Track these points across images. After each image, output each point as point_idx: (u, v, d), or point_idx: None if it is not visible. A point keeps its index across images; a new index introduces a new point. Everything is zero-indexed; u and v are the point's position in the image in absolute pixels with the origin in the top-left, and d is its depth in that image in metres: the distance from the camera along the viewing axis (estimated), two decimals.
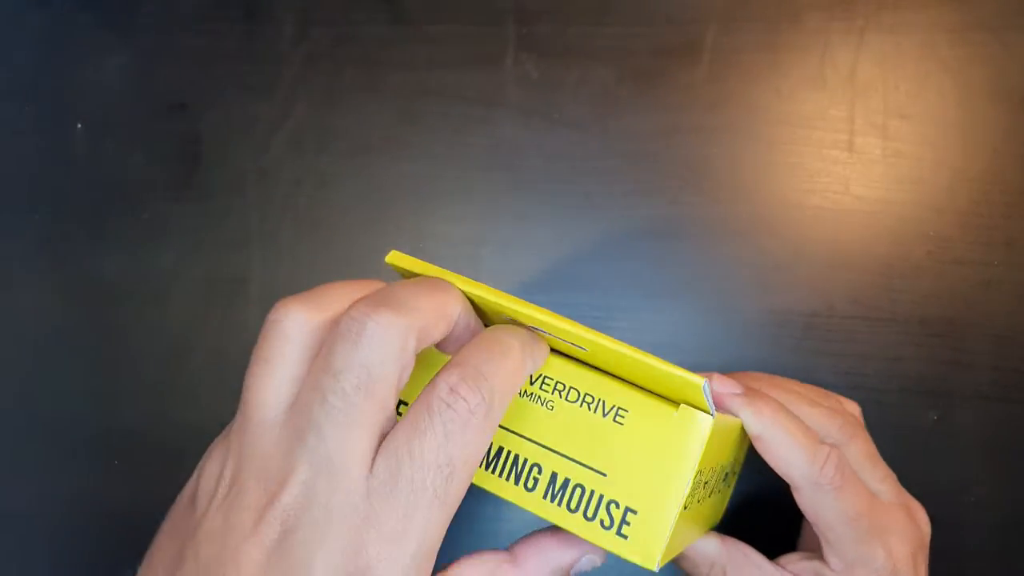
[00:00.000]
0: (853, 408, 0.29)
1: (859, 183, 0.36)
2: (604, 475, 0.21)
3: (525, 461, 0.22)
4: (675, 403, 0.21)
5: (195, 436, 0.38)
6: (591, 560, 0.22)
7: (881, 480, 0.27)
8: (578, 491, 0.21)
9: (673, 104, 0.37)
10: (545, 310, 0.20)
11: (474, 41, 0.38)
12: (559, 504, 0.21)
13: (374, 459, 0.18)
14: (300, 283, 0.37)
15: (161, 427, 0.37)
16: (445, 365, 0.19)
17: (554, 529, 0.22)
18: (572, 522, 0.21)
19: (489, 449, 0.22)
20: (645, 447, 0.21)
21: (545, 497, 0.21)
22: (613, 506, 0.21)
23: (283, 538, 0.17)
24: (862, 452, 0.27)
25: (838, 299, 0.35)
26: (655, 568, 0.20)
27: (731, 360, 0.35)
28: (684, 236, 0.36)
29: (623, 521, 0.21)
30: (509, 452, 0.22)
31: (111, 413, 0.38)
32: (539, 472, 0.21)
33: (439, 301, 0.20)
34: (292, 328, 0.19)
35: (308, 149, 0.38)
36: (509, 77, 0.38)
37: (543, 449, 0.22)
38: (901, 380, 0.35)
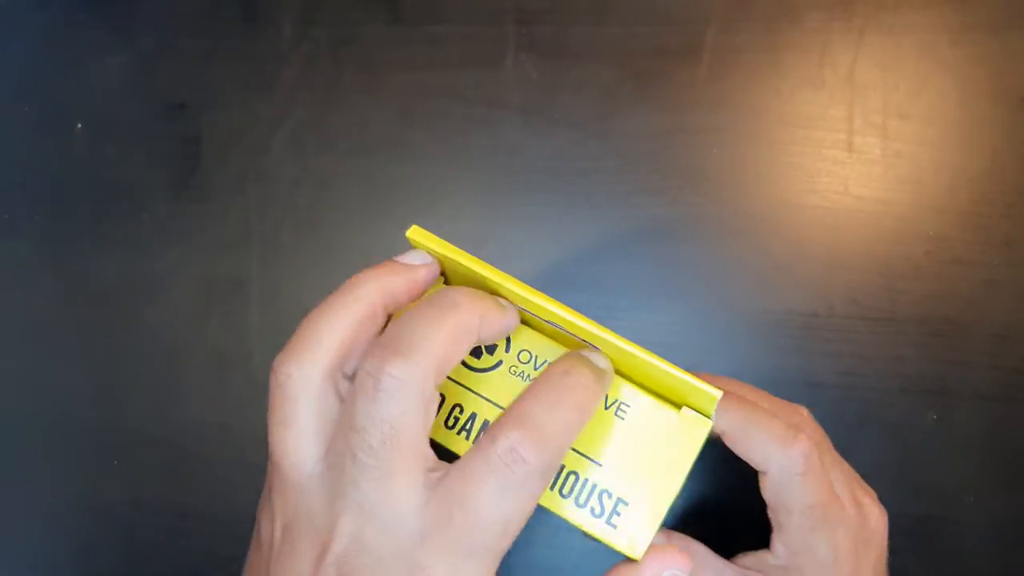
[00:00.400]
0: (803, 410, 0.29)
1: (859, 183, 0.36)
2: (600, 465, 0.22)
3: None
4: (676, 404, 0.22)
5: (195, 436, 0.38)
6: None
7: (839, 477, 0.27)
8: (572, 478, 0.22)
9: (673, 104, 0.37)
10: (561, 305, 0.21)
11: (474, 41, 0.38)
12: (552, 488, 0.22)
13: (423, 502, 0.18)
14: (300, 283, 0.37)
15: (161, 427, 0.37)
16: (506, 414, 0.19)
17: (624, 565, 0.22)
18: (562, 507, 0.22)
19: None
20: (643, 443, 0.21)
21: None
22: (605, 495, 0.21)
23: None
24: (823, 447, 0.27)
25: (838, 299, 0.35)
26: (640, 558, 0.21)
27: (731, 360, 0.35)
28: (684, 236, 0.36)
29: (614, 511, 0.21)
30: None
31: (111, 413, 0.38)
32: None
33: (454, 324, 0.19)
34: (297, 389, 0.19)
35: (308, 149, 0.38)
36: (509, 77, 0.38)
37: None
38: (901, 380, 0.35)
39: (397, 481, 0.18)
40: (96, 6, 0.40)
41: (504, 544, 0.18)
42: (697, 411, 0.22)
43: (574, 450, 0.22)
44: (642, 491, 0.21)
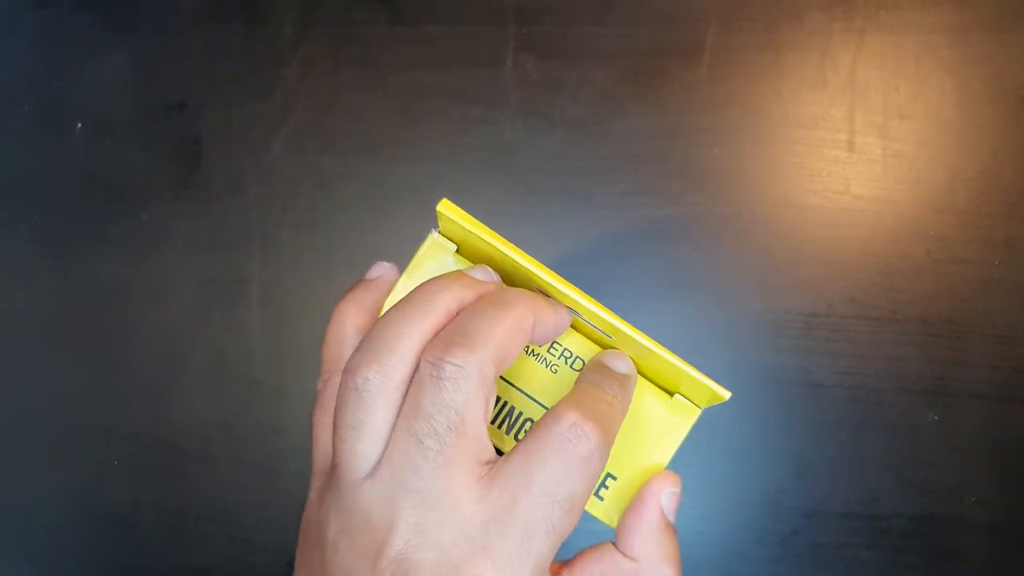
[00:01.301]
0: None
1: (859, 183, 0.36)
2: None
3: (520, 414, 0.23)
4: (668, 391, 0.23)
5: (194, 436, 0.38)
6: (670, 495, 0.22)
7: None
8: None
9: (673, 104, 0.37)
10: (580, 291, 0.21)
11: (474, 41, 0.38)
12: None
13: (484, 491, 0.18)
14: (300, 283, 0.37)
15: (161, 427, 0.37)
16: (566, 398, 0.20)
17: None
18: None
19: None
20: (635, 423, 0.23)
21: None
22: None
23: None
24: None
25: (838, 299, 0.35)
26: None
27: (731, 360, 0.35)
28: (684, 236, 0.36)
29: (602, 484, 0.22)
30: (506, 403, 0.23)
31: (111, 413, 0.38)
32: (530, 425, 0.22)
33: (512, 321, 0.20)
34: (374, 395, 0.19)
35: (308, 149, 0.38)
36: (509, 77, 0.38)
37: (539, 406, 0.23)
38: (901, 380, 0.35)
39: (459, 468, 0.18)
40: (96, 6, 0.40)
41: (570, 522, 0.19)
42: (688, 400, 0.23)
43: None
44: (630, 468, 0.22)
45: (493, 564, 0.18)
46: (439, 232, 0.24)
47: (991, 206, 0.35)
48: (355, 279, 0.24)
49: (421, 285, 0.21)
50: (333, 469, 0.20)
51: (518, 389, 0.23)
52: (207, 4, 0.40)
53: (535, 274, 0.21)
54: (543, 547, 0.18)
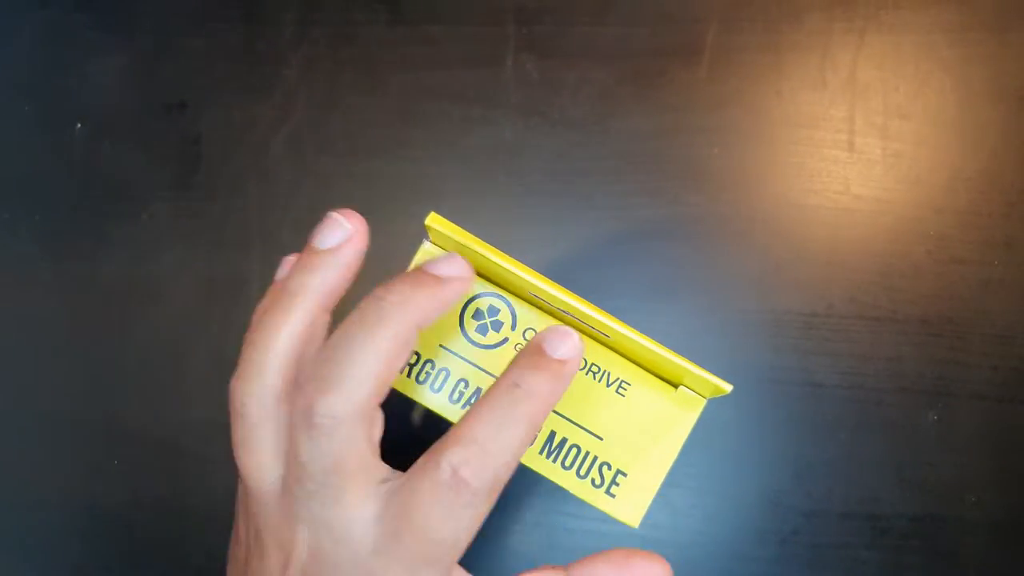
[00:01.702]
0: None
1: (859, 183, 0.36)
2: (601, 439, 0.23)
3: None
4: (673, 384, 0.23)
5: (195, 436, 0.38)
6: None
7: None
8: (574, 451, 0.23)
9: (673, 104, 0.37)
10: (573, 295, 0.21)
11: (474, 41, 0.38)
12: (554, 461, 0.23)
13: (376, 515, 0.18)
14: None
15: (161, 427, 0.37)
16: (450, 434, 0.19)
17: (606, 554, 0.22)
18: (564, 478, 0.23)
19: None
20: (643, 418, 0.23)
21: (541, 453, 0.23)
22: (605, 467, 0.23)
23: None
24: None
25: (838, 299, 0.35)
26: (636, 526, 0.23)
27: (731, 360, 0.35)
28: (684, 236, 0.36)
29: (613, 482, 0.23)
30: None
31: (111, 413, 0.38)
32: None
33: (385, 346, 0.18)
34: (252, 412, 0.20)
35: (308, 149, 0.38)
36: (509, 77, 0.38)
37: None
38: (901, 380, 0.35)
39: (348, 499, 0.18)
40: (96, 6, 0.40)
41: (455, 555, 0.19)
42: (692, 390, 0.23)
43: (577, 425, 0.23)
44: (640, 464, 0.23)
45: None
46: (430, 243, 0.24)
47: (991, 206, 0.36)
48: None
49: (277, 286, 0.20)
50: (240, 478, 0.20)
51: (494, 377, 0.23)
52: (207, 4, 0.40)
53: (526, 281, 0.21)
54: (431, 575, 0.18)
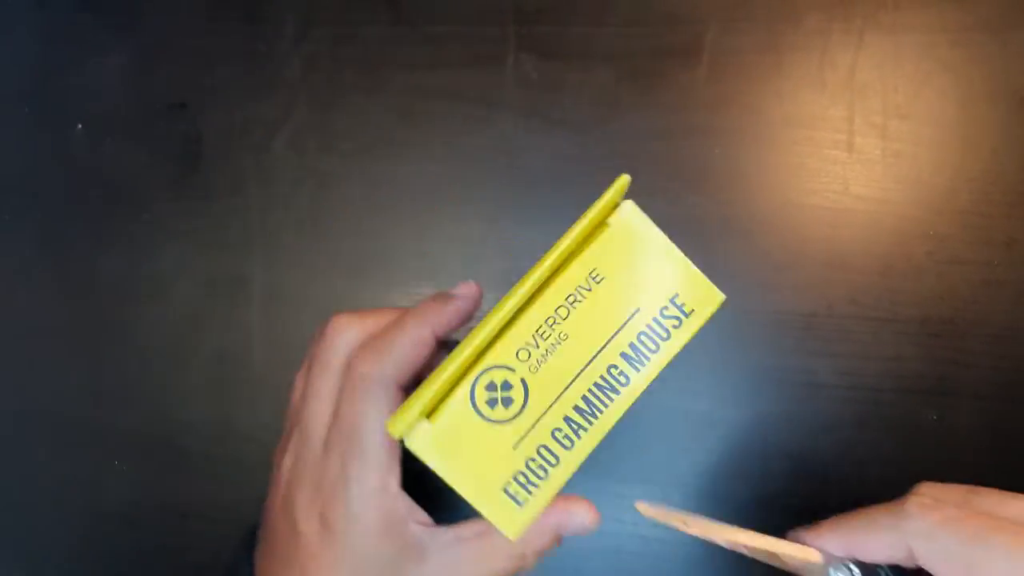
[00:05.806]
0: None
1: (859, 183, 0.36)
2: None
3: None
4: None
5: (195, 436, 0.38)
6: (582, 522, 0.25)
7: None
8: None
9: (673, 104, 0.37)
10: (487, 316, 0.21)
11: (474, 41, 0.38)
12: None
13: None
14: (300, 283, 0.37)
15: (161, 427, 0.37)
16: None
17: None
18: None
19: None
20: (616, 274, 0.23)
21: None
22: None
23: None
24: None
25: (838, 299, 0.35)
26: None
27: (731, 360, 0.35)
28: (684, 236, 0.36)
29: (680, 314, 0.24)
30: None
31: (111, 413, 0.38)
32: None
33: (409, 335, 0.24)
34: (342, 341, 0.25)
35: (308, 149, 0.38)
36: (509, 77, 0.38)
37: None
38: (901, 380, 0.35)
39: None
40: (96, 6, 0.40)
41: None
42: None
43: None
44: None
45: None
46: None
47: (991, 206, 0.35)
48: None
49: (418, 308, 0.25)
50: (299, 428, 0.26)
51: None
52: (207, 4, 0.40)
53: (472, 345, 0.20)
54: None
